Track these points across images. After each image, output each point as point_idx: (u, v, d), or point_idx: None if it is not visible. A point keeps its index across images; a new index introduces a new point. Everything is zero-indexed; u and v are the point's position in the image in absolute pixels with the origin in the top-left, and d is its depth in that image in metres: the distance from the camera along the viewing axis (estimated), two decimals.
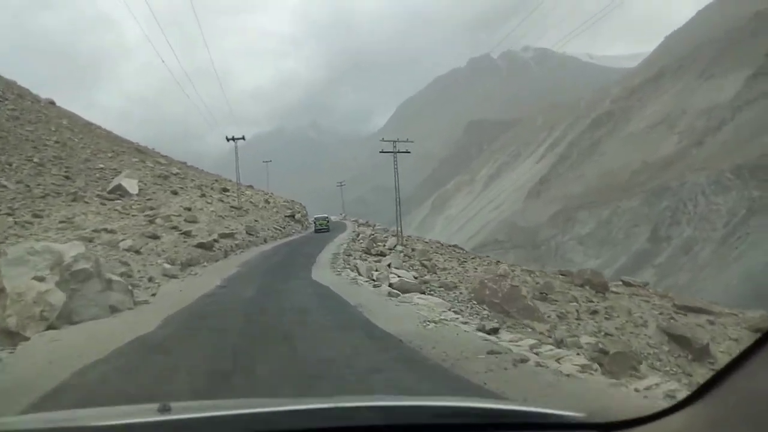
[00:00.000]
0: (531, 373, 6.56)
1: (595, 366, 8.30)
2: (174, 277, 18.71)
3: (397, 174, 31.40)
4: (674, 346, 17.75)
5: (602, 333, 17.67)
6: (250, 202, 45.72)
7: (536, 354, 7.89)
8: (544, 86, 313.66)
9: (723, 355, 17.14)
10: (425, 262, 25.94)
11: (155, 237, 23.68)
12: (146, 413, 1.84)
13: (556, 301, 20.60)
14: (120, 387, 6.22)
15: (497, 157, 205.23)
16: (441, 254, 30.92)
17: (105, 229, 23.60)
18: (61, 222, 25.03)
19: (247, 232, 32.67)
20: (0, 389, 6.70)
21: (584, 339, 15.38)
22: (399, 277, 18.10)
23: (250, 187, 55.18)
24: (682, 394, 2.71)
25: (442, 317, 11.09)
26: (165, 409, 1.74)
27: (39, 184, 30.59)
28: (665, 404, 1.67)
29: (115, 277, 12.00)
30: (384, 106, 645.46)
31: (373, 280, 17.39)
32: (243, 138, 42.00)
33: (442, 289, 18.21)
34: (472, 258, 32.37)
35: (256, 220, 38.28)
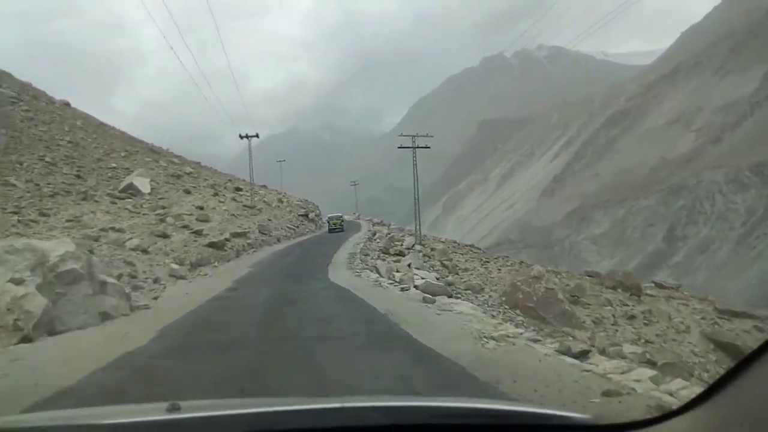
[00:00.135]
0: None
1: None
2: (182, 278, 17.73)
3: (416, 169, 30.22)
4: (721, 354, 16.34)
5: (642, 340, 16.33)
6: (264, 201, 44.97)
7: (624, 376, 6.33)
8: (558, 84, 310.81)
9: None
10: (446, 263, 24.73)
11: (165, 236, 22.89)
12: (155, 412, 1.82)
13: (589, 304, 19.26)
14: None
15: (511, 156, 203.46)
16: (461, 254, 29.66)
17: (113, 228, 22.89)
18: (68, 221, 24.53)
19: (260, 231, 32.01)
20: None
21: (627, 348, 14.06)
22: (423, 278, 16.87)
23: (264, 186, 54.45)
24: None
25: (501, 331, 9.08)
26: (174, 408, 1.74)
27: (49, 183, 30.39)
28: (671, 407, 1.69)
29: (110, 279, 10.73)
30: (396, 106, 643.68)
31: (396, 281, 16.15)
32: (257, 136, 41.26)
33: (468, 292, 16.94)
34: (495, 258, 31.05)
35: (269, 219, 37.47)
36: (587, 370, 6.56)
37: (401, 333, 8.74)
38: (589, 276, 26.47)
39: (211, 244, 23.97)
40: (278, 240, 34.03)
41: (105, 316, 9.95)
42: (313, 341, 8.16)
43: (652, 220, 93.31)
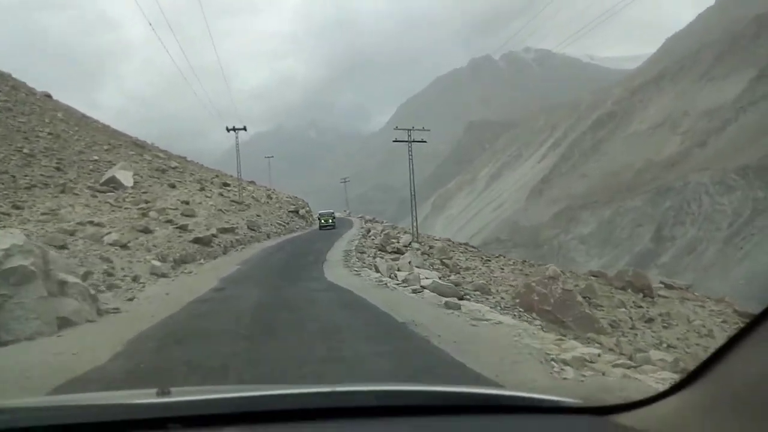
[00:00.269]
0: None
1: None
2: (164, 275, 16.28)
3: (412, 163, 28.97)
4: None
5: (664, 345, 15.21)
6: (252, 197, 43.46)
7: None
8: (545, 87, 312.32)
9: None
10: (446, 261, 23.52)
11: (147, 231, 21.41)
12: (146, 397, 1.83)
13: (602, 306, 18.12)
14: None
15: (499, 157, 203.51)
16: (460, 253, 28.45)
17: (91, 222, 21.42)
18: (43, 214, 23.08)
19: (248, 228, 30.67)
20: None
21: (654, 354, 12.88)
22: (427, 278, 15.56)
23: (252, 182, 52.86)
24: None
25: (570, 351, 6.96)
26: (164, 393, 1.75)
27: (26, 175, 28.95)
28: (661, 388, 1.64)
29: (72, 279, 9.15)
30: (384, 105, 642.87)
31: (401, 281, 14.81)
32: (245, 128, 39.86)
33: (477, 293, 15.64)
34: (496, 257, 29.87)
35: (258, 215, 36.04)
36: None
37: (441, 355, 6.64)
38: (594, 276, 25.40)
39: (196, 240, 22.66)
40: (268, 236, 32.72)
41: (64, 323, 8.37)
42: (325, 367, 6.13)
43: (640, 221, 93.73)
